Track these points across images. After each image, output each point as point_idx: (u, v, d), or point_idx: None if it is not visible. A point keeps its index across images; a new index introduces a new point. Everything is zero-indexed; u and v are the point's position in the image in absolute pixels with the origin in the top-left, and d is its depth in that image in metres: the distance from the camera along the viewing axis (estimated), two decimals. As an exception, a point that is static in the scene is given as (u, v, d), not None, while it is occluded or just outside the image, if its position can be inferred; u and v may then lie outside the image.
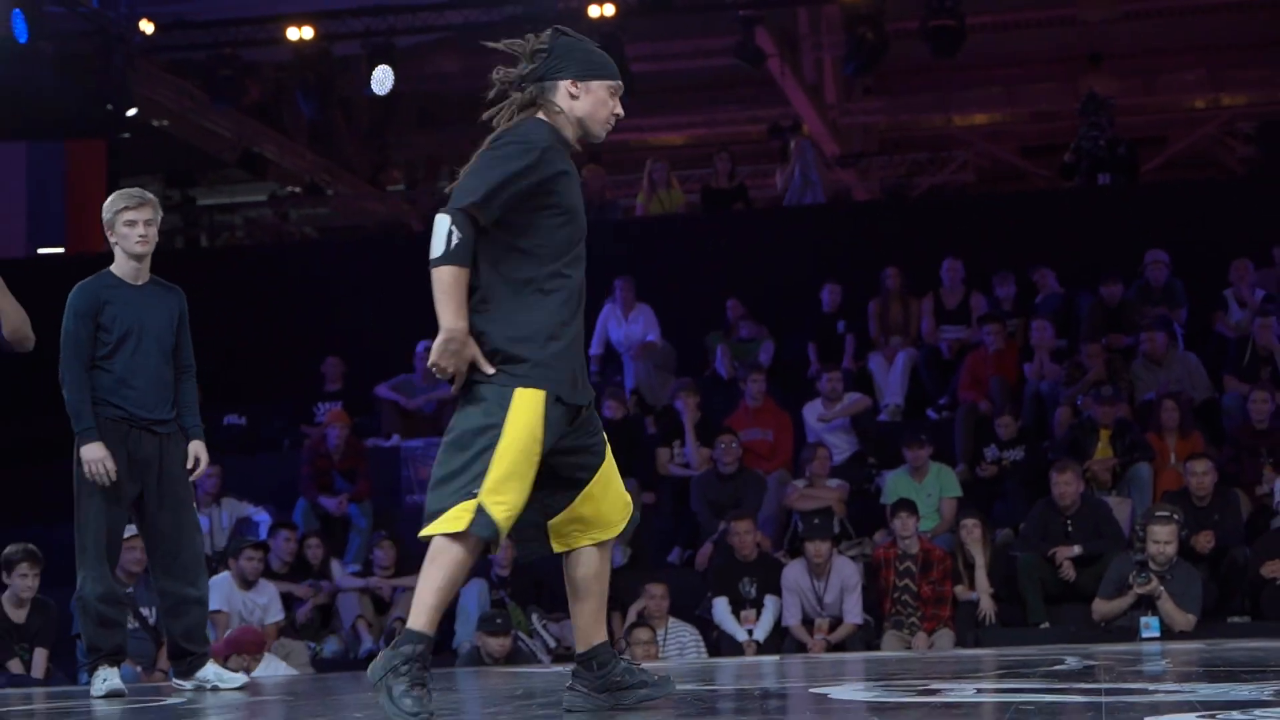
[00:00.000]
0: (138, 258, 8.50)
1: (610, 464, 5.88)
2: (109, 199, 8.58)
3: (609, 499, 5.89)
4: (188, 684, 8.55)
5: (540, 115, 5.62)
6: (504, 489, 5.39)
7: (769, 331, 17.19)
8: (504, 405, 5.42)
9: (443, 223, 5.43)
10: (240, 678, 8.94)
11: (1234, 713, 4.72)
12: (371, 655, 13.49)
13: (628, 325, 17.41)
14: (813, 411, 15.55)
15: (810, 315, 17.19)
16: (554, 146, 5.54)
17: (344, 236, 25.18)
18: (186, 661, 8.58)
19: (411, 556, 14.27)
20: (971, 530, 13.15)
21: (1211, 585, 12.59)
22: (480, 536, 5.41)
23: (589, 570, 5.98)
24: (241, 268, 20.72)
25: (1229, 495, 13.39)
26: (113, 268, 8.54)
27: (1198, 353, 15.95)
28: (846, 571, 12.86)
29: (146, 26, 19.68)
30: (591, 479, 5.80)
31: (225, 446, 16.98)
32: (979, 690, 6.58)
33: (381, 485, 16.06)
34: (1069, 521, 13.10)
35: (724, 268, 17.37)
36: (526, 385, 5.43)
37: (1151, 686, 6.40)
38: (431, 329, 15.28)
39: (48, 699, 8.73)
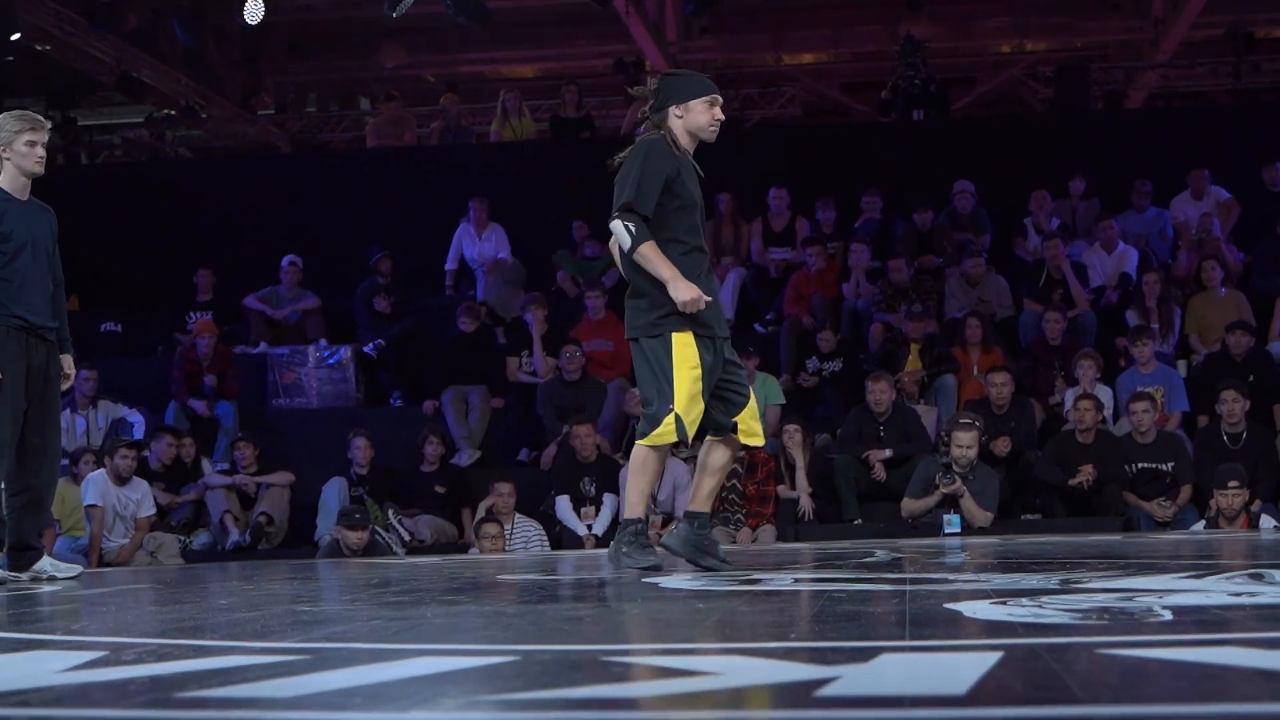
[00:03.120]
0: (31, 176, 8.34)
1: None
2: (4, 119, 8.37)
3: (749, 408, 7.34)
4: (24, 575, 8.38)
5: (661, 132, 7.05)
6: (690, 408, 6.94)
7: (611, 251, 17.14)
8: (668, 350, 6.91)
9: (617, 223, 6.83)
10: (76, 569, 8.83)
11: (1023, 599, 4.78)
12: (239, 546, 13.39)
13: (481, 243, 17.31)
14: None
15: (650, 236, 17.15)
16: (668, 154, 6.95)
17: (217, 157, 24.76)
18: (26, 555, 8.46)
19: (274, 456, 14.16)
20: (793, 435, 13.25)
21: (1007, 485, 12.79)
22: (676, 440, 6.99)
23: (724, 455, 7.40)
24: (120, 185, 20.35)
25: (1024, 404, 13.59)
26: (1, 183, 8.33)
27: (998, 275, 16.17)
28: (679, 472, 12.91)
29: (28, -45, 19.23)
30: (741, 394, 7.28)
31: (102, 351, 16.74)
32: (796, 580, 6.63)
33: (248, 389, 15.91)
34: (881, 427, 13.25)
35: (571, 192, 17.28)
36: (676, 329, 6.89)
37: (952, 577, 6.48)
38: (296, 245, 15.13)
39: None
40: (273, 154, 24.27)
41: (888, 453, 13.12)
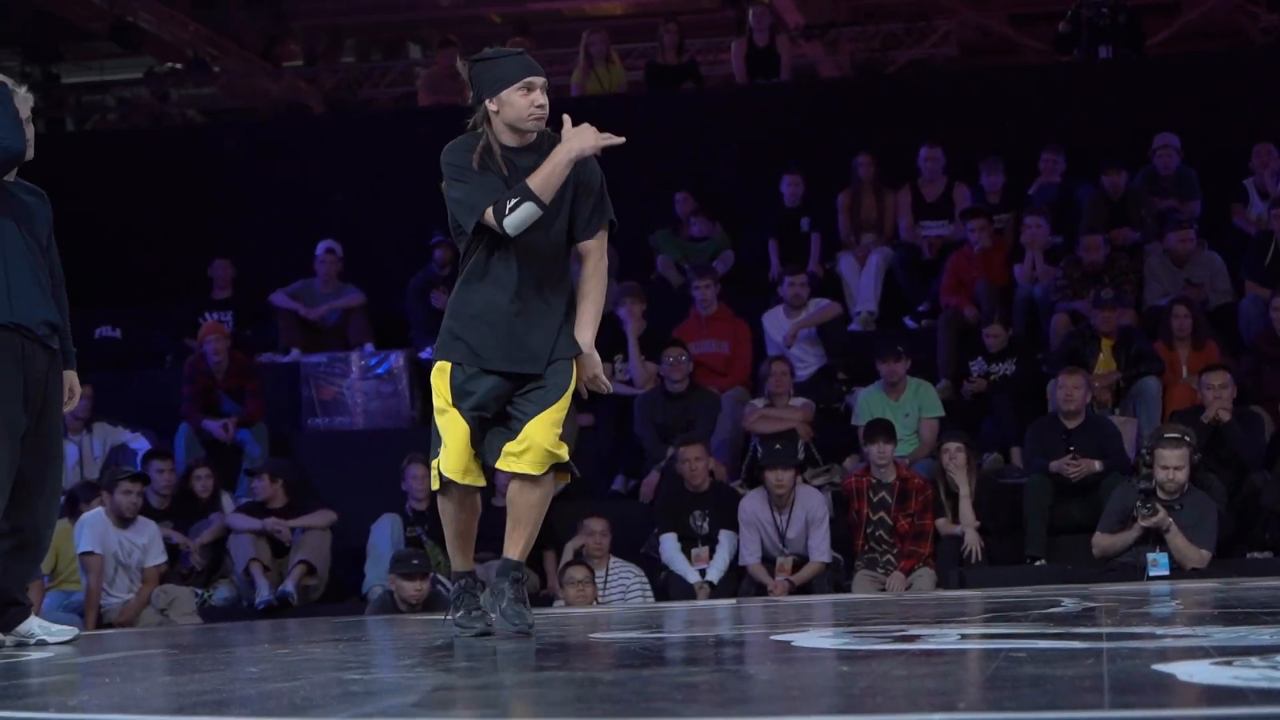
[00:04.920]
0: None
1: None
2: None
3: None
4: (7, 639, 8.30)
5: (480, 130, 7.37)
6: None
7: (723, 230, 17.15)
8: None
9: (508, 219, 7.22)
10: (71, 630, 8.75)
11: (1253, 659, 4.75)
12: (269, 605, 13.48)
13: (562, 222, 17.34)
14: (774, 321, 15.54)
15: (770, 210, 17.15)
16: (459, 163, 7.30)
17: (233, 119, 25.00)
18: (10, 613, 8.35)
19: (307, 490, 14.21)
20: (955, 455, 13.20)
21: (1228, 516, 12.68)
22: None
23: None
24: (114, 155, 20.55)
25: (1249, 414, 13.47)
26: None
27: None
28: (812, 503, 12.90)
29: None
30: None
31: (98, 363, 16.87)
32: (963, 636, 6.61)
33: (278, 407, 15.98)
34: (1070, 437, 13.15)
35: (671, 156, 17.31)
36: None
37: (1159, 630, 6.45)
38: (334, 229, 15.35)
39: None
40: (302, 116, 24.46)
41: (1097, 465, 13.01)
